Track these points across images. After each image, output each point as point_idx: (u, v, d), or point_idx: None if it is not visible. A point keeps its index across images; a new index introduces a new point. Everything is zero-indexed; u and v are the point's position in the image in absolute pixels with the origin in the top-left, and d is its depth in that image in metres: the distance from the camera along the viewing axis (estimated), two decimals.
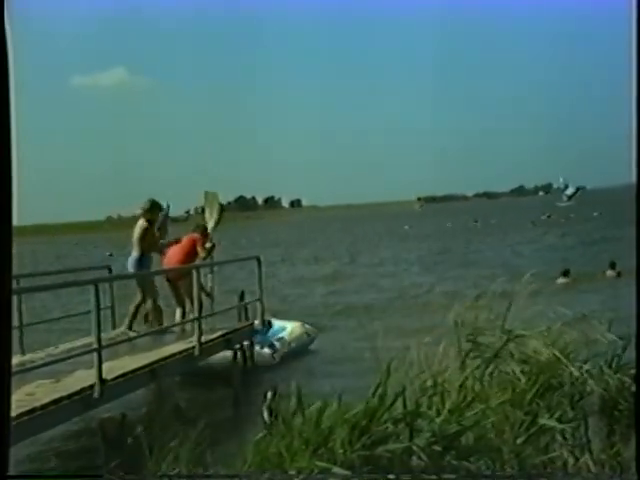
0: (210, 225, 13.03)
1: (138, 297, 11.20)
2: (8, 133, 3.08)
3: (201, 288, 11.38)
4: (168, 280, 11.80)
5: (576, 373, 4.85)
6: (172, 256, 12.07)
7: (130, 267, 11.36)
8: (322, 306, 20.77)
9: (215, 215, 13.17)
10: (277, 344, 13.27)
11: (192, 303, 11.08)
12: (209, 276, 12.56)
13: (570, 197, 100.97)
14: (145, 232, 11.34)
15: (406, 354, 5.04)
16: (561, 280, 20.71)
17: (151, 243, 11.43)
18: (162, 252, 12.10)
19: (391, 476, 4.15)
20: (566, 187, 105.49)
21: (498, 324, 5.25)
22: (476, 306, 5.61)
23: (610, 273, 20.86)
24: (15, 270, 3.25)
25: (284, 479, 4.16)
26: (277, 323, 14.04)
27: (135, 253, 11.34)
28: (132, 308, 11.21)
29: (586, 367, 4.93)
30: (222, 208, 13.56)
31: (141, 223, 11.43)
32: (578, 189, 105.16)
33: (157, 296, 11.55)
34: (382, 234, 59.79)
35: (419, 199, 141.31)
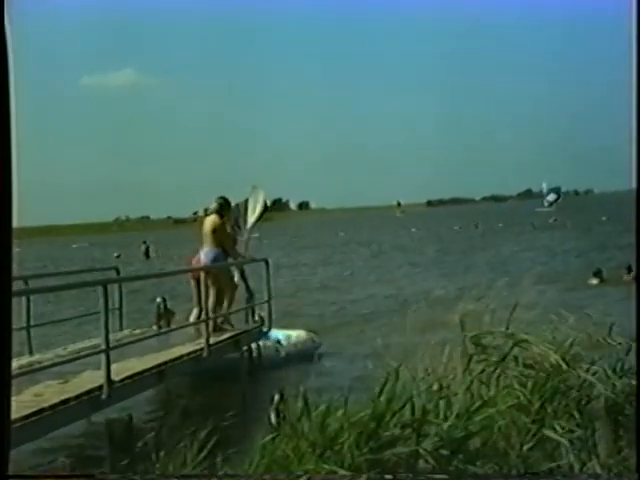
0: (251, 221, 13.21)
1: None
2: (8, 134, 3.09)
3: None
4: (195, 279, 11.82)
5: (583, 376, 4.85)
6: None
7: (208, 261, 11.56)
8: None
9: (258, 211, 13.31)
10: (283, 341, 13.34)
11: (225, 297, 11.49)
12: (236, 273, 12.61)
13: (551, 203, 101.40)
14: (219, 228, 11.61)
15: (413, 357, 5.06)
16: (593, 281, 21.32)
17: (223, 238, 11.68)
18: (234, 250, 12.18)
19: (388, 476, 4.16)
20: (548, 193, 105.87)
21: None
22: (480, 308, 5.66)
23: (626, 278, 20.82)
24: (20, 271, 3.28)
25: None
26: (281, 332, 14.04)
27: (210, 248, 11.58)
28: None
29: (592, 371, 4.93)
30: (266, 206, 13.69)
31: (214, 219, 11.65)
32: (559, 195, 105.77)
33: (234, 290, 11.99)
34: (390, 237, 59.70)
35: (399, 204, 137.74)
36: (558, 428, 4.56)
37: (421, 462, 4.34)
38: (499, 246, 40.54)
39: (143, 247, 54.04)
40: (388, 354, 5.33)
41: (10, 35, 3.11)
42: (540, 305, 6.08)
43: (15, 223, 3.25)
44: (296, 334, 14.12)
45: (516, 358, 5.09)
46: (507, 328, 5.25)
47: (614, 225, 42.58)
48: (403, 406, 4.39)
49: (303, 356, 12.78)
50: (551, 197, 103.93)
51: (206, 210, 12.02)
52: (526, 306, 5.96)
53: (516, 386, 4.85)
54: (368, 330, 15.24)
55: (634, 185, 3.77)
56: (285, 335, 13.89)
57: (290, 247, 53.81)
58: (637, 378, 4.64)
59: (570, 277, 22.65)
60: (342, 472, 4.10)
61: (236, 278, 12.59)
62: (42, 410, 7.07)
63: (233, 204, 12.72)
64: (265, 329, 12.49)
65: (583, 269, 24.45)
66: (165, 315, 12.83)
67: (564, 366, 4.84)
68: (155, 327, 12.39)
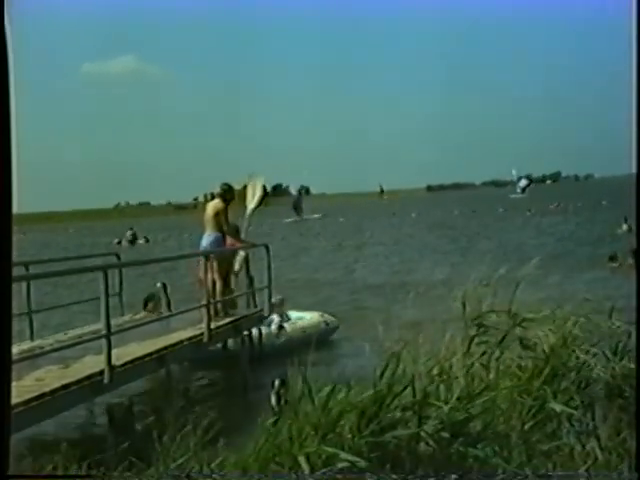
0: (250, 207, 13.26)
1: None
2: (8, 122, 3.09)
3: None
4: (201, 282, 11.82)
5: (583, 358, 4.86)
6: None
7: (208, 246, 11.58)
8: None
9: (257, 196, 13.35)
10: (286, 325, 13.32)
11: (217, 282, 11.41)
12: (238, 258, 12.64)
13: (523, 189, 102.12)
14: (221, 212, 11.62)
15: (414, 340, 5.06)
16: (610, 264, 21.81)
17: (222, 224, 11.65)
18: (233, 236, 12.14)
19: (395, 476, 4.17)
20: (519, 179, 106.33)
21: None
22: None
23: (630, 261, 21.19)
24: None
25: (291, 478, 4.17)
26: (295, 314, 14.04)
27: (211, 232, 11.61)
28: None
29: (593, 352, 4.94)
30: (265, 192, 13.69)
31: (217, 203, 11.69)
32: (531, 181, 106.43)
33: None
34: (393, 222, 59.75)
35: (382, 191, 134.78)
36: (558, 409, 4.58)
37: (422, 445, 4.35)
38: (505, 232, 40.54)
39: (129, 234, 50.38)
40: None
41: (10, 35, 3.11)
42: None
43: (15, 210, 3.25)
44: (309, 316, 14.08)
45: (520, 339, 5.10)
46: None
47: (615, 210, 42.51)
48: (404, 389, 4.40)
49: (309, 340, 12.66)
50: (523, 183, 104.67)
51: (206, 196, 12.10)
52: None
53: (516, 368, 4.87)
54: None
55: (633, 170, 3.77)
56: (297, 316, 13.90)
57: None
58: (637, 367, 4.64)
59: (587, 261, 23.28)
60: (343, 455, 4.11)
61: (237, 265, 12.62)
62: (43, 395, 7.09)
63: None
64: (265, 314, 12.50)
65: (595, 252, 25.00)
66: (154, 301, 12.80)
67: (568, 346, 4.85)
68: (143, 313, 12.40)
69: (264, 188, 13.87)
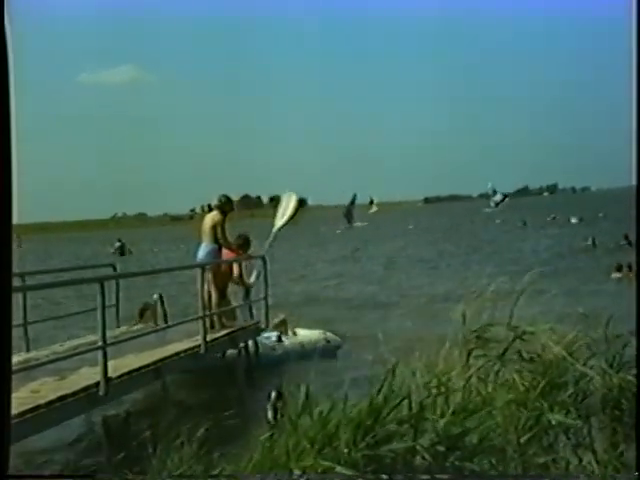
0: (278, 224, 13.25)
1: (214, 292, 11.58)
2: (8, 133, 3.09)
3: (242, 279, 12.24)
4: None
5: (582, 370, 4.84)
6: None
7: (204, 257, 11.65)
8: None
9: (287, 215, 13.34)
10: (284, 338, 13.26)
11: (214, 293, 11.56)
12: (248, 268, 12.65)
13: (497, 204, 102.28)
14: (218, 224, 11.66)
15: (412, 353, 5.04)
16: (615, 275, 22.30)
17: (219, 235, 11.67)
18: (229, 248, 12.11)
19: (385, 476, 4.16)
20: (494, 193, 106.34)
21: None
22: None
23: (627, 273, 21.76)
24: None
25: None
26: (299, 331, 13.98)
27: (207, 243, 11.69)
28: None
29: (591, 364, 4.93)
30: (296, 211, 13.68)
31: (215, 215, 11.76)
32: (505, 196, 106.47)
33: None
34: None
35: (371, 202, 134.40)
36: (554, 422, 4.56)
37: (418, 458, 4.33)
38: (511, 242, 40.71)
39: (117, 245, 49.65)
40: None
41: (10, 35, 3.12)
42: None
43: (14, 220, 3.25)
44: (311, 333, 13.96)
45: (519, 352, 5.08)
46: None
47: (612, 222, 42.48)
48: (400, 402, 4.39)
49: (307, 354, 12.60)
50: (498, 197, 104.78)
51: (203, 207, 12.12)
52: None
53: (515, 381, 4.85)
54: None
55: (632, 182, 3.77)
56: (301, 335, 13.83)
57: None
58: (637, 378, 4.62)
59: (592, 272, 23.83)
60: (339, 468, 4.10)
61: (252, 278, 12.62)
62: (38, 407, 7.06)
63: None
64: (262, 326, 12.47)
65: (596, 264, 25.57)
66: (150, 310, 12.73)
67: (567, 358, 4.83)
68: (139, 325, 12.36)
69: (296, 208, 13.80)
